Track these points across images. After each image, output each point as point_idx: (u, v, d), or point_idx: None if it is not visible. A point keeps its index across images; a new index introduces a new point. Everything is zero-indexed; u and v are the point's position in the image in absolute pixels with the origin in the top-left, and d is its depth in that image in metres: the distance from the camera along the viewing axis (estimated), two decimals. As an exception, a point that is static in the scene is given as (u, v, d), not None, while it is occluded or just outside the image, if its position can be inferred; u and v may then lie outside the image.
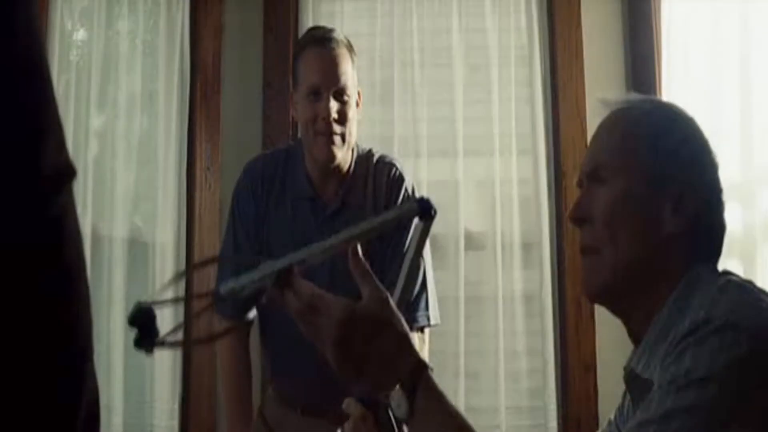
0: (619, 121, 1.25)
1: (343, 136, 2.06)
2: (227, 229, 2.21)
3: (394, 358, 0.95)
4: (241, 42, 3.08)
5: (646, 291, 1.16)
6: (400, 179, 2.14)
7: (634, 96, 1.30)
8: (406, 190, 2.14)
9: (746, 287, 1.11)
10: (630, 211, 1.17)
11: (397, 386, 0.93)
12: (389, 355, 0.95)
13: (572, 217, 1.23)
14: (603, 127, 1.26)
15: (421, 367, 0.98)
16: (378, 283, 1.04)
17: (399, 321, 0.98)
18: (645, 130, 1.21)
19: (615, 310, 1.22)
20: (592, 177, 1.22)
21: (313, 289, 1.01)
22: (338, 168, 2.11)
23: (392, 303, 1.01)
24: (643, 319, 1.16)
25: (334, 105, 2.04)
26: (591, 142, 1.28)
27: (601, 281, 1.19)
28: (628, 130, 1.22)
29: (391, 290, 2.12)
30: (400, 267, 2.06)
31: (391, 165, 2.16)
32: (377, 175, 2.15)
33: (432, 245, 2.92)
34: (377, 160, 2.17)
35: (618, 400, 1.29)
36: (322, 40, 2.08)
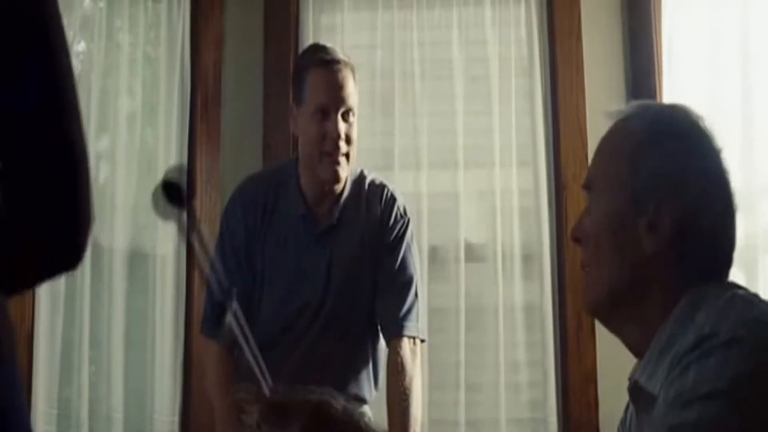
0: (612, 135, 1.24)
1: (348, 156, 2.10)
2: (215, 252, 2.19)
3: None
4: (242, 54, 3.09)
5: (635, 308, 1.15)
6: (392, 200, 2.20)
7: (638, 104, 1.26)
8: (398, 208, 2.19)
9: (752, 301, 1.09)
10: (612, 229, 1.17)
11: None
12: None
13: (571, 237, 1.26)
14: (601, 141, 1.26)
15: None
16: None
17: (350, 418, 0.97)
18: (629, 149, 1.19)
19: (607, 325, 1.22)
20: (588, 190, 1.24)
21: None
22: (334, 187, 2.13)
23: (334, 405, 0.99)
24: (637, 335, 1.16)
25: (342, 125, 2.07)
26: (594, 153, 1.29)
27: (592, 297, 1.21)
28: (617, 145, 1.21)
29: (380, 295, 2.14)
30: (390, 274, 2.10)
31: (383, 186, 2.22)
32: (370, 196, 2.19)
33: (432, 256, 2.94)
34: (370, 182, 2.21)
35: (619, 412, 1.29)
36: (329, 61, 2.10)
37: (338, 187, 2.14)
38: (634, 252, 1.15)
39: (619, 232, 1.17)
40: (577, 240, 1.24)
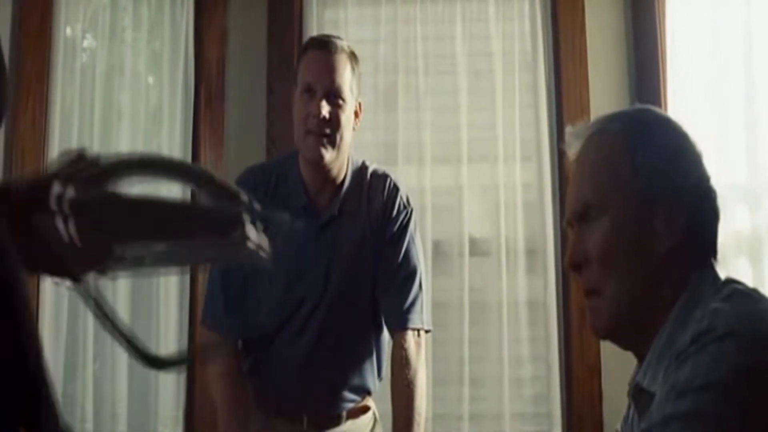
0: (594, 151, 1.23)
1: (331, 139, 2.06)
2: None
3: None
4: (245, 49, 3.09)
5: (651, 311, 1.14)
6: (395, 190, 2.18)
7: (602, 116, 1.26)
8: (401, 198, 2.17)
9: (751, 296, 1.09)
10: (623, 241, 1.16)
11: None
12: None
13: (570, 264, 1.21)
14: (580, 161, 1.24)
15: None
16: None
17: None
18: (621, 154, 1.18)
19: (625, 343, 1.20)
20: (581, 218, 1.21)
21: None
22: (333, 176, 2.12)
23: None
24: (647, 344, 1.14)
25: (325, 105, 2.05)
26: (572, 179, 1.26)
27: (607, 317, 1.18)
28: (606, 159, 1.20)
29: (383, 287, 2.13)
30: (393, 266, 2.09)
31: (386, 176, 2.20)
32: (372, 186, 2.17)
33: (436, 251, 2.94)
34: (372, 173, 2.19)
35: (623, 406, 1.29)
36: (323, 43, 2.11)
37: (337, 177, 2.13)
38: (652, 252, 1.14)
39: (633, 240, 1.15)
40: (577, 267, 1.20)
